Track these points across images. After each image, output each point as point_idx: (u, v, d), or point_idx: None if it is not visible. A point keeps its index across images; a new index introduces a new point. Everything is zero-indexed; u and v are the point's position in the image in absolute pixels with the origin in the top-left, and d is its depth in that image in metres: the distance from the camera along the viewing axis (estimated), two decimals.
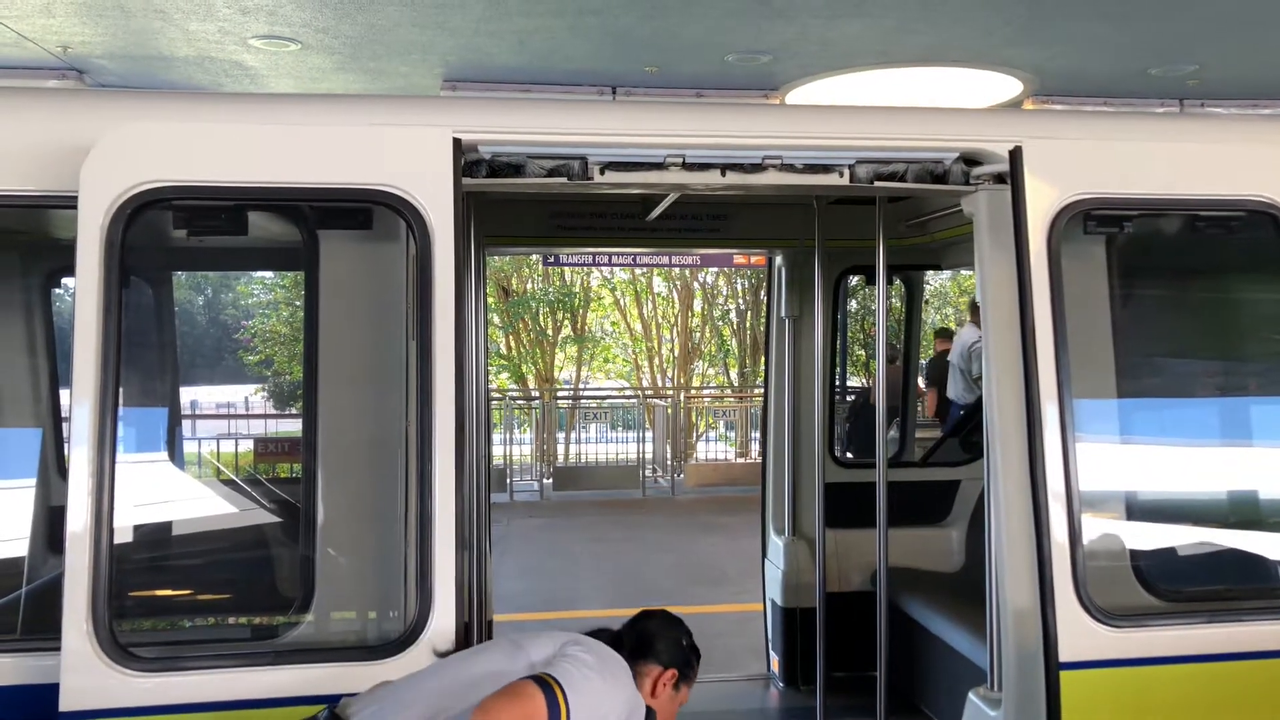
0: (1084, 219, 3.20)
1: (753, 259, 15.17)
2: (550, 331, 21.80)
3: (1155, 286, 3.68)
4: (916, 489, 5.80)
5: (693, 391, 21.29)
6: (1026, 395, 3.06)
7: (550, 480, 15.53)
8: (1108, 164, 3.24)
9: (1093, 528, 3.20)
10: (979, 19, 7.47)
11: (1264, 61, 8.65)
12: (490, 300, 16.01)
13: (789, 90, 8.89)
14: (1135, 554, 3.32)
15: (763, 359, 6.20)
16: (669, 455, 16.11)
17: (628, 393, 21.56)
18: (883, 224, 4.55)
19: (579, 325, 22.65)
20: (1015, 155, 3.13)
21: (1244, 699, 3.09)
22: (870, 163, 3.28)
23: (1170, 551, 3.39)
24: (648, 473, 15.66)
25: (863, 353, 17.82)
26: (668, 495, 14.94)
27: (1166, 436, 3.49)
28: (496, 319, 20.17)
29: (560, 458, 17.14)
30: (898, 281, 6.40)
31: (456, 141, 3.00)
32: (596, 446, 16.92)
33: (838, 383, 8.47)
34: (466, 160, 3.08)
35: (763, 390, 6.34)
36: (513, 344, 21.33)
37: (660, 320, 22.83)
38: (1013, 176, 3.13)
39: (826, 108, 3.85)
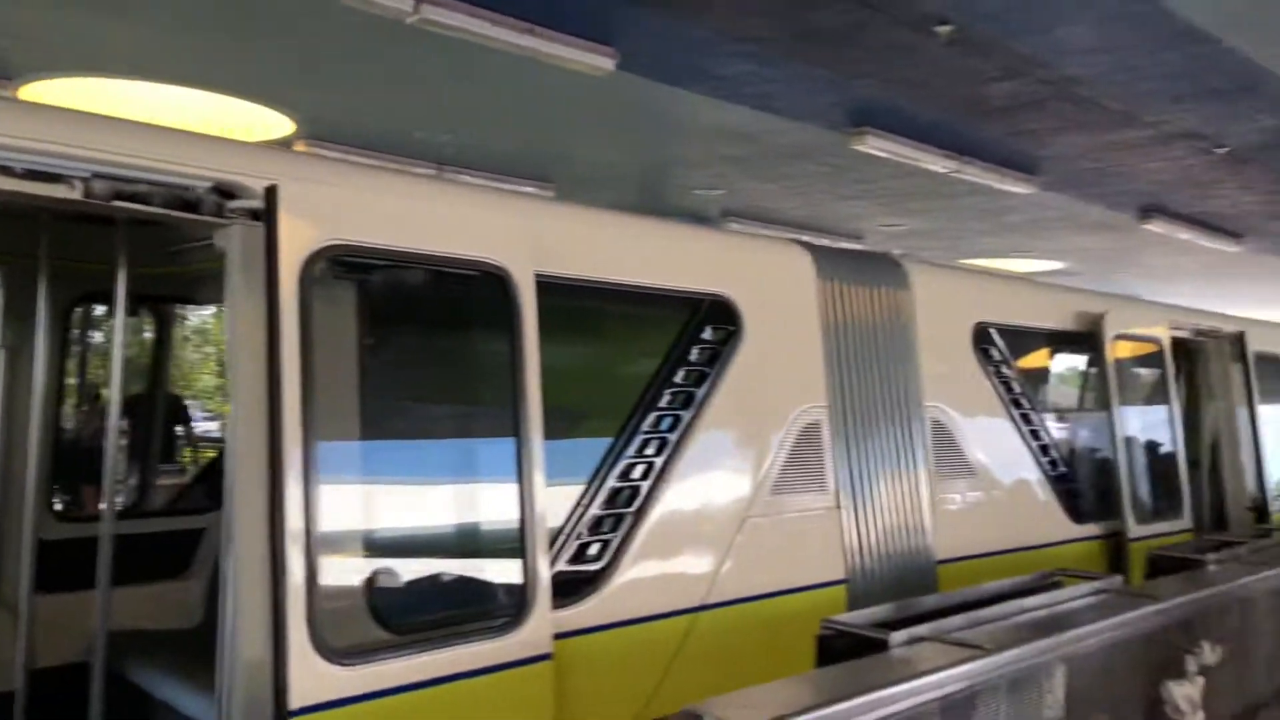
0: (336, 264, 3.24)
1: None
2: None
3: (401, 334, 3.86)
4: (155, 541, 5.35)
5: None
6: (270, 437, 2.98)
7: None
8: (363, 213, 3.33)
9: (332, 570, 3.21)
10: (251, 50, 7.36)
11: (507, 139, 9.83)
12: None
13: (30, 83, 7.85)
14: (372, 592, 3.41)
15: None
16: None
17: None
18: (125, 247, 4.14)
19: None
20: (271, 193, 3.06)
21: (472, 716, 3.34)
22: (110, 178, 2.95)
23: (404, 586, 3.55)
24: None
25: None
26: None
27: (405, 476, 3.67)
28: None
29: None
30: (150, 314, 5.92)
31: None
32: None
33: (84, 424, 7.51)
34: None
35: None
36: None
37: None
38: (268, 214, 3.05)
39: (61, 109, 3.36)
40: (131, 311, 5.99)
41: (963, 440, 5.56)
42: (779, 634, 4.40)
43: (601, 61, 7.12)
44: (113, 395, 4.28)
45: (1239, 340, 8.14)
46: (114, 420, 4.24)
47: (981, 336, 5.84)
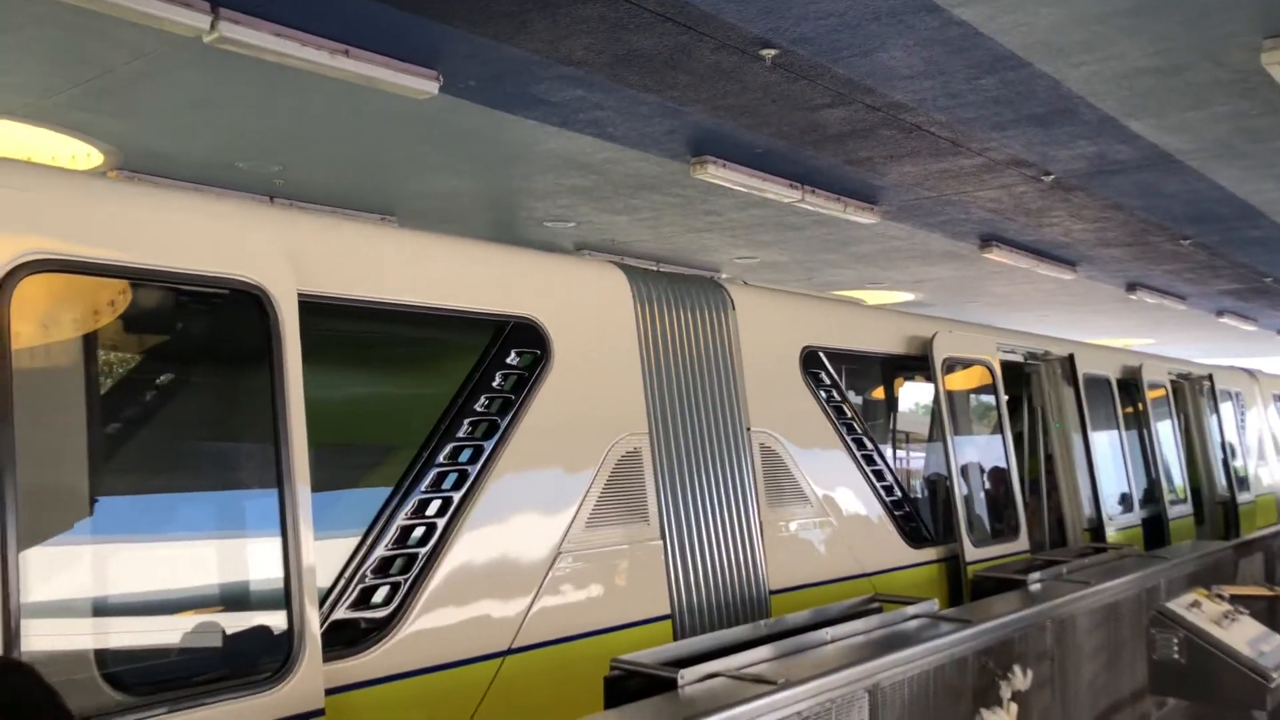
0: (44, 281, 2.86)
1: None
2: None
3: (128, 364, 3.48)
4: None
5: None
6: None
7: None
8: (77, 222, 2.95)
9: (40, 634, 2.84)
10: (39, 74, 6.83)
11: (341, 170, 9.43)
12: None
13: None
14: (100, 655, 3.04)
15: None
16: None
17: None
18: None
19: None
20: None
21: None
22: None
23: (142, 647, 3.17)
24: None
25: None
26: None
27: (133, 529, 3.27)
28: None
29: None
30: None
31: None
32: None
33: None
34: None
35: None
36: None
37: None
38: None
39: None
40: None
41: (793, 466, 5.42)
42: (597, 676, 4.15)
43: (423, 85, 6.85)
44: None
45: (1069, 362, 8.31)
46: None
47: (810, 360, 5.74)
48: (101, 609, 3.05)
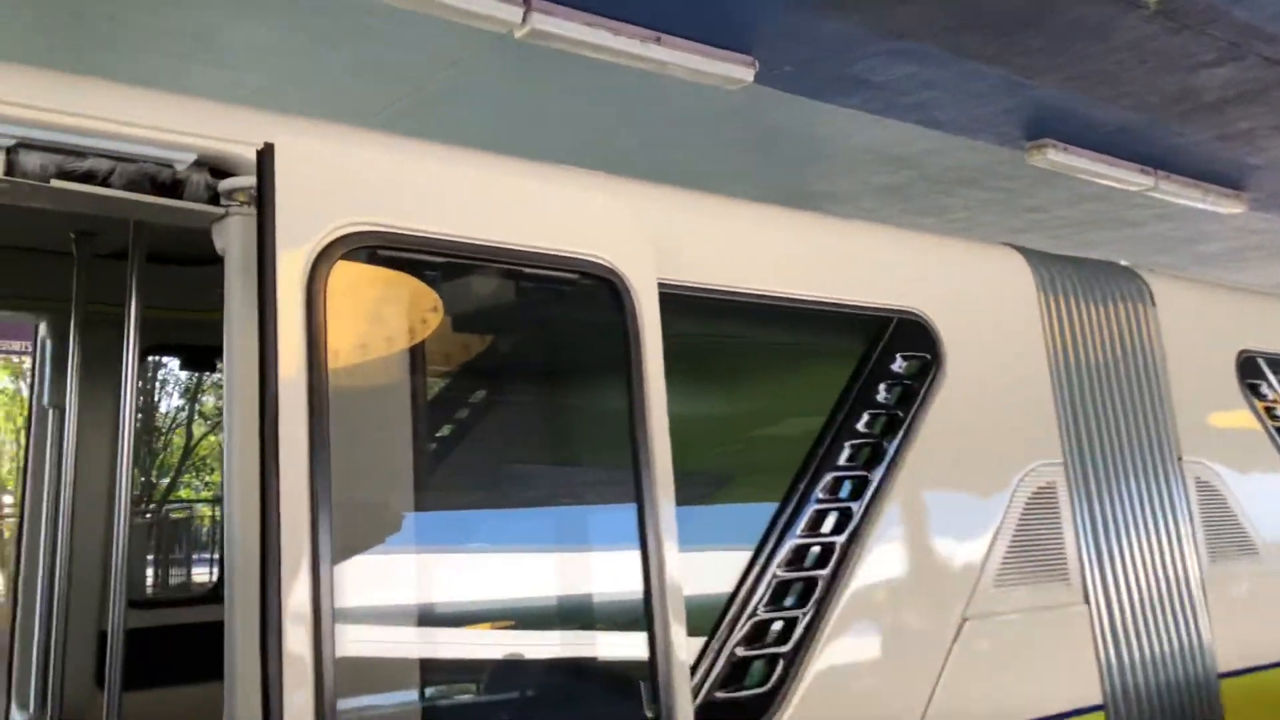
0: (370, 258, 2.24)
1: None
2: None
3: (465, 354, 2.81)
4: None
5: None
6: (263, 497, 1.97)
7: None
8: (408, 193, 2.33)
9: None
10: (363, 93, 6.64)
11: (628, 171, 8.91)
12: None
13: None
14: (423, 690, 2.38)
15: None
16: None
17: None
18: (136, 272, 3.28)
19: None
20: (265, 156, 2.08)
21: None
22: (43, 148, 2.06)
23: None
24: None
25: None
26: None
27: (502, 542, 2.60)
28: None
29: None
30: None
31: None
32: None
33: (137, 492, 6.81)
34: None
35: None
36: None
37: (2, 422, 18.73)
38: (260, 186, 2.07)
39: None
40: (197, 363, 5.24)
41: (1235, 506, 4.19)
42: None
43: (739, 72, 6.13)
44: (122, 464, 3.39)
45: None
46: (123, 499, 3.35)
47: (1248, 368, 4.48)
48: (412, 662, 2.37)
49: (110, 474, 4.38)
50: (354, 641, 2.12)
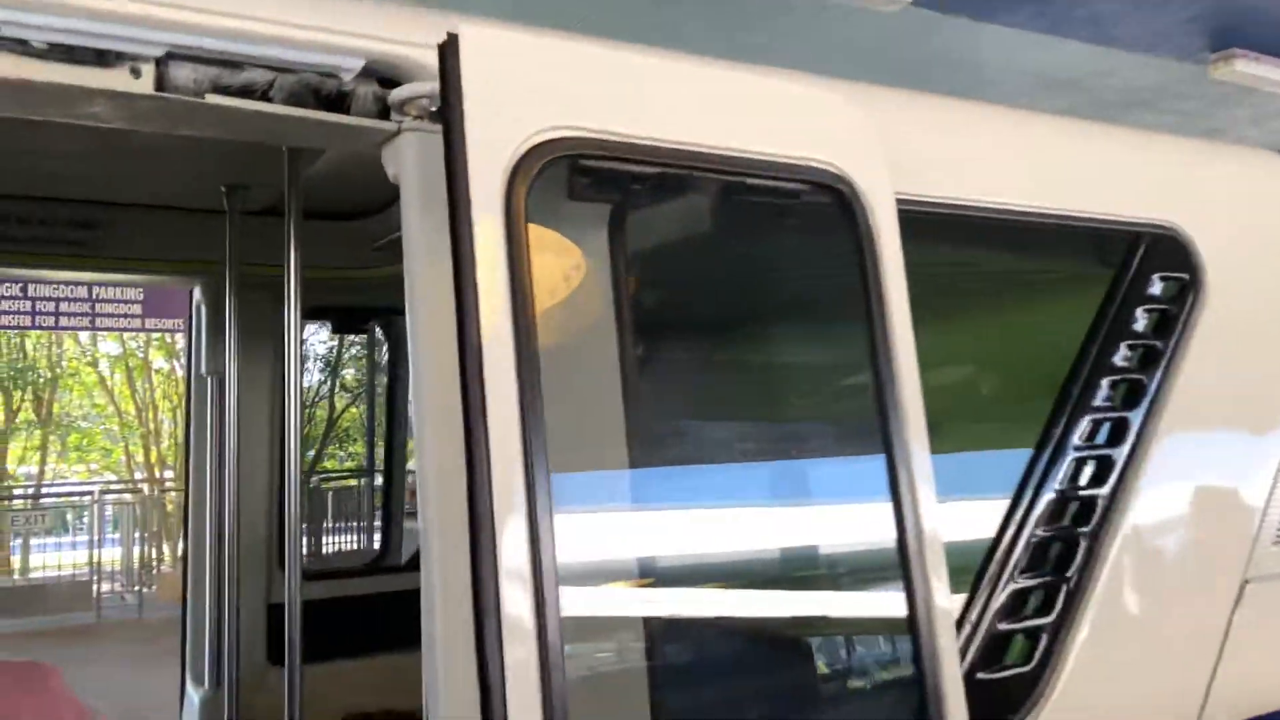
0: (576, 171, 1.89)
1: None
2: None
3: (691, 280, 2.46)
4: (402, 601, 4.31)
5: (169, 484, 17.86)
6: (469, 450, 1.65)
7: None
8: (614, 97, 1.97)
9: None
10: None
11: None
12: None
13: None
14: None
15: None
16: (136, 563, 13.23)
17: (116, 487, 18.08)
18: (294, 229, 3.03)
19: (44, 407, 18.80)
20: (448, 50, 1.74)
21: None
22: (197, 59, 1.78)
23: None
24: (118, 586, 12.76)
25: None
26: (134, 614, 12.11)
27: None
28: None
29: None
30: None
31: None
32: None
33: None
34: None
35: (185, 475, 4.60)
36: None
37: (160, 400, 19.44)
38: (444, 86, 1.74)
39: None
40: (349, 326, 5.09)
41: None
42: None
43: None
44: (291, 439, 3.18)
45: None
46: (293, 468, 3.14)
47: None
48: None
49: (270, 442, 4.23)
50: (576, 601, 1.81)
